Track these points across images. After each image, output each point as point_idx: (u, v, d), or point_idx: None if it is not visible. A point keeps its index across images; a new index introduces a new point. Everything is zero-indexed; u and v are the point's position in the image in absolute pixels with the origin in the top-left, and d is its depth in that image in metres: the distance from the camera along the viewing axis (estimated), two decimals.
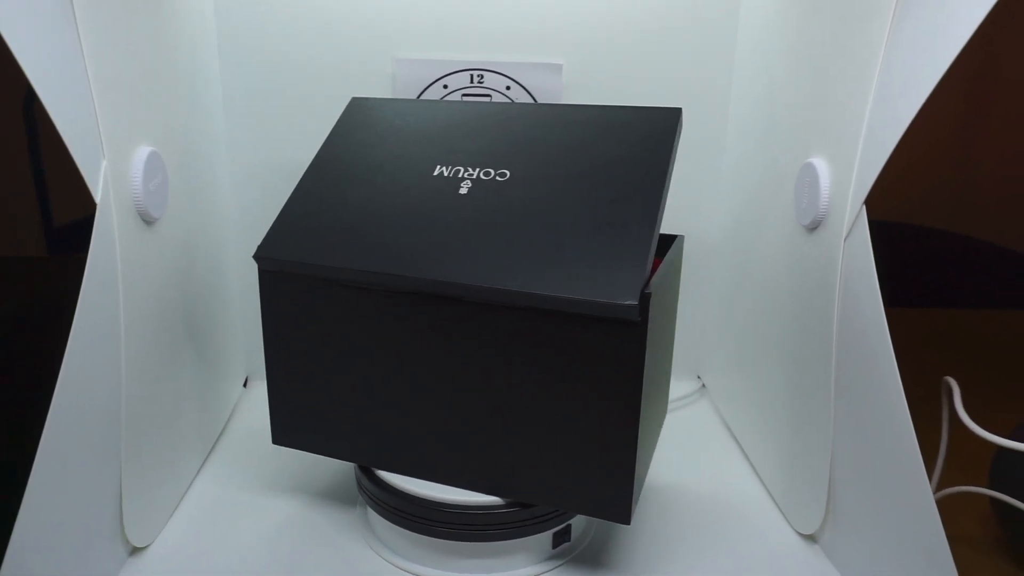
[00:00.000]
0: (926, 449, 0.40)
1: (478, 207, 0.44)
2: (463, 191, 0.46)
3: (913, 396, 0.40)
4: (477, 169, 0.47)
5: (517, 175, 0.45)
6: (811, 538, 0.52)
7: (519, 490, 0.45)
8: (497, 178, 0.45)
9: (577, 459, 0.43)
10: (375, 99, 0.54)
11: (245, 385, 0.74)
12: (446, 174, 0.47)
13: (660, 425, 0.53)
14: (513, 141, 0.48)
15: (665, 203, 0.44)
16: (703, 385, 0.77)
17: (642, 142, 0.45)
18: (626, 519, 0.43)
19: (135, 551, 0.48)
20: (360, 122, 0.52)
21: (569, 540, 0.49)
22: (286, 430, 0.50)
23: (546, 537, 0.47)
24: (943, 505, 0.46)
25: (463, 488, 0.46)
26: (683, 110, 0.69)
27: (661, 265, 0.45)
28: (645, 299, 0.39)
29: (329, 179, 0.49)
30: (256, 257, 0.46)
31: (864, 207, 0.43)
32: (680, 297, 0.75)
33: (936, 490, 0.50)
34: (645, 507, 0.55)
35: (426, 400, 0.45)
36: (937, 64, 0.37)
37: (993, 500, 0.52)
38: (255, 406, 0.70)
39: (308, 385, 0.48)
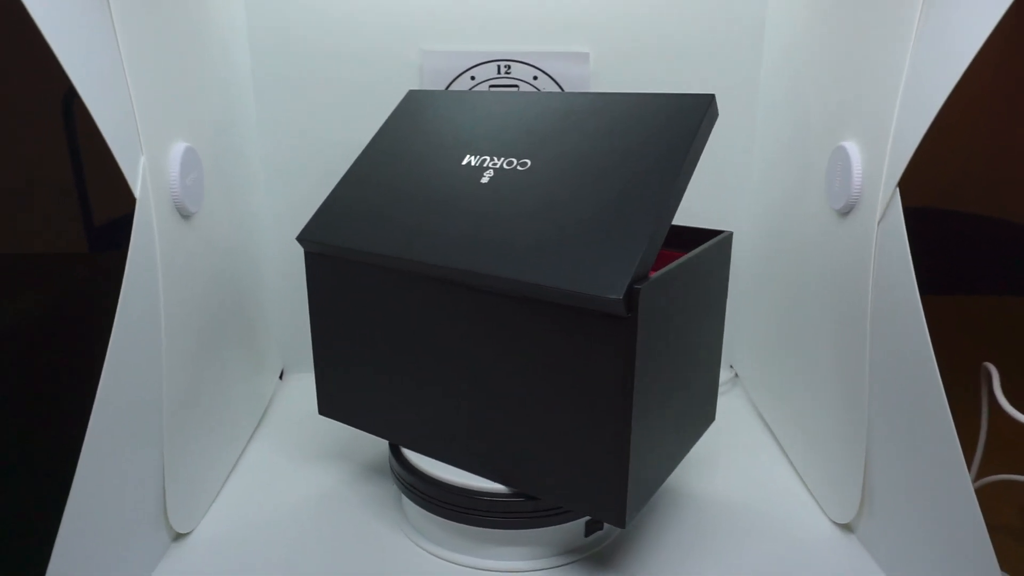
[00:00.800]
0: (965, 437, 0.39)
1: (494, 196, 0.45)
2: (484, 180, 0.46)
3: (950, 383, 0.39)
4: (501, 159, 0.47)
5: (538, 165, 0.45)
6: (847, 527, 0.51)
7: (522, 482, 0.45)
8: (519, 168, 0.46)
9: (572, 456, 0.42)
10: (429, 91, 0.56)
11: (281, 377, 0.76)
12: (473, 163, 0.48)
13: (696, 431, 0.51)
14: (540, 130, 0.48)
15: (681, 194, 0.42)
16: (736, 374, 0.76)
17: (664, 131, 0.44)
18: (621, 522, 0.41)
19: (178, 537, 0.50)
20: (411, 113, 0.54)
21: (602, 528, 0.49)
22: (329, 403, 0.53)
23: (579, 525, 0.48)
24: (982, 494, 0.45)
25: (474, 474, 0.47)
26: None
27: (681, 260, 0.43)
28: (633, 294, 0.37)
29: (373, 167, 0.51)
30: (299, 239, 0.49)
31: (898, 189, 0.42)
32: None
33: (975, 478, 0.50)
34: (678, 496, 0.55)
35: (439, 383, 0.46)
36: (970, 43, 0.36)
37: None
38: (292, 398, 0.72)
39: (345, 361, 0.50)
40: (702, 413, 0.52)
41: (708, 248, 0.47)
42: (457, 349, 0.45)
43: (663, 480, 0.47)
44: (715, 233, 0.50)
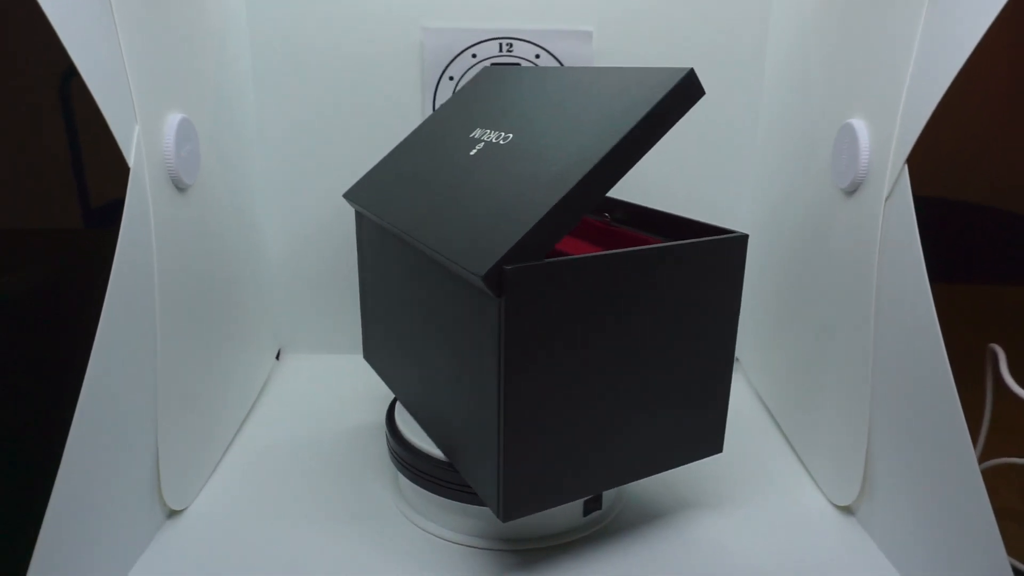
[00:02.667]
0: (969, 420, 0.39)
1: (469, 169, 0.45)
2: (473, 153, 0.46)
3: (955, 368, 0.38)
4: (496, 133, 0.47)
5: (515, 139, 0.45)
6: (847, 510, 0.51)
7: (450, 456, 0.45)
8: (500, 142, 0.45)
9: (474, 436, 0.41)
10: (502, 68, 0.57)
11: (278, 357, 0.75)
12: (476, 137, 0.48)
13: (677, 454, 0.45)
14: (535, 104, 0.47)
15: (615, 172, 0.37)
16: (736, 359, 0.76)
17: (620, 106, 0.40)
18: (500, 515, 0.39)
19: (172, 514, 0.49)
20: (471, 87, 0.57)
21: (600, 508, 0.49)
22: (368, 349, 0.58)
23: (577, 505, 0.47)
24: (985, 477, 0.44)
25: (430, 438, 0.48)
26: (718, 72, 0.68)
27: (608, 254, 0.38)
28: (501, 274, 0.35)
29: (417, 137, 0.54)
30: (344, 195, 0.54)
31: (906, 166, 0.41)
32: None
33: (980, 461, 0.49)
34: (678, 478, 0.55)
35: (407, 346, 0.49)
36: (981, 18, 0.36)
37: None
38: (288, 377, 0.71)
39: (372, 312, 0.55)
40: (691, 437, 0.45)
41: (678, 248, 0.41)
42: (416, 312, 0.46)
43: (599, 489, 0.43)
44: (719, 231, 0.44)
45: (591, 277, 0.38)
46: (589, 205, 0.37)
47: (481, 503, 0.45)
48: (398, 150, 0.54)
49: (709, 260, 0.42)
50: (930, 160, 0.44)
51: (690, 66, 0.41)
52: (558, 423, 0.40)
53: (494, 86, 0.54)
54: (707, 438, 0.46)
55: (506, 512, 0.40)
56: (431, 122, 0.55)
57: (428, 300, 0.44)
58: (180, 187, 0.47)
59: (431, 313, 0.44)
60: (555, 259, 0.37)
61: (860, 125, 0.46)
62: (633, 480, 0.44)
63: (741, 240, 0.43)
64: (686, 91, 0.38)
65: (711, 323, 0.43)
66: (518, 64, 0.67)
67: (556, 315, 0.37)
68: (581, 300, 0.38)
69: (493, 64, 0.67)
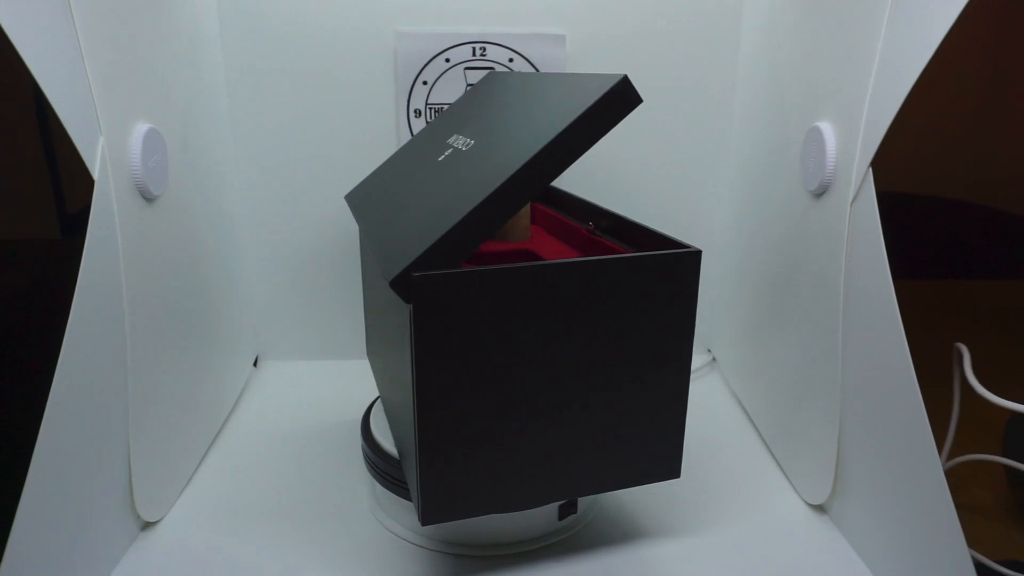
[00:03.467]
0: (937, 419, 0.39)
1: (431, 174, 0.45)
2: (440, 159, 0.46)
3: (922, 366, 0.39)
4: (466, 138, 0.47)
5: (476, 144, 0.44)
6: (820, 508, 0.51)
7: (399, 451, 0.47)
8: (463, 147, 0.45)
9: (406, 437, 0.42)
10: (503, 73, 0.57)
11: (256, 364, 0.75)
12: (450, 142, 0.48)
13: (623, 474, 0.43)
14: (503, 109, 0.47)
15: (540, 178, 0.36)
16: (713, 358, 0.76)
17: (552, 113, 0.39)
18: (420, 520, 0.40)
19: (147, 526, 0.49)
20: (469, 94, 0.57)
21: (576, 512, 0.49)
22: (368, 349, 0.60)
23: (552, 508, 0.47)
24: (955, 473, 0.45)
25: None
26: (691, 76, 0.68)
27: (527, 265, 0.37)
28: (409, 281, 0.35)
29: (412, 141, 0.55)
30: (345, 197, 0.56)
31: (871, 170, 0.42)
32: None
33: (948, 458, 0.50)
34: None
35: (379, 350, 0.51)
36: (940, 24, 0.36)
37: (1007, 468, 0.52)
38: (266, 385, 0.71)
39: (366, 312, 0.58)
40: (643, 460, 0.43)
41: (612, 263, 0.39)
42: (380, 315, 0.48)
43: (535, 503, 0.42)
44: (674, 244, 0.42)
45: (508, 289, 0.37)
46: (511, 210, 0.36)
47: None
48: (396, 154, 0.56)
49: (655, 276, 0.40)
50: (896, 158, 0.44)
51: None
52: (480, 434, 0.39)
53: (485, 91, 0.54)
54: (662, 461, 0.44)
55: (424, 516, 0.40)
56: (428, 126, 0.57)
57: (381, 303, 0.46)
58: (148, 197, 0.47)
59: (385, 316, 0.46)
60: (465, 269, 0.36)
61: (827, 128, 0.47)
62: (578, 496, 0.43)
63: (692, 256, 0.40)
64: (619, 98, 0.36)
65: (661, 342, 0.41)
66: (492, 68, 0.67)
67: (472, 325, 0.37)
68: (499, 311, 0.37)
69: (466, 69, 0.67)
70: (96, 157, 0.41)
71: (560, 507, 0.48)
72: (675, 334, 0.41)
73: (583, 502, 0.50)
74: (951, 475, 0.39)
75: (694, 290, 0.41)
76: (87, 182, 0.41)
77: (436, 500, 0.40)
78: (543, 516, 0.47)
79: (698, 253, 0.40)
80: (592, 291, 0.39)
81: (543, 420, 0.40)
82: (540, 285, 0.38)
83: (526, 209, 0.53)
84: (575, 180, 0.71)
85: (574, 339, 0.39)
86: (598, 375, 0.40)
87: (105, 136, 0.41)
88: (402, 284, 0.35)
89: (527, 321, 0.38)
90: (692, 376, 0.74)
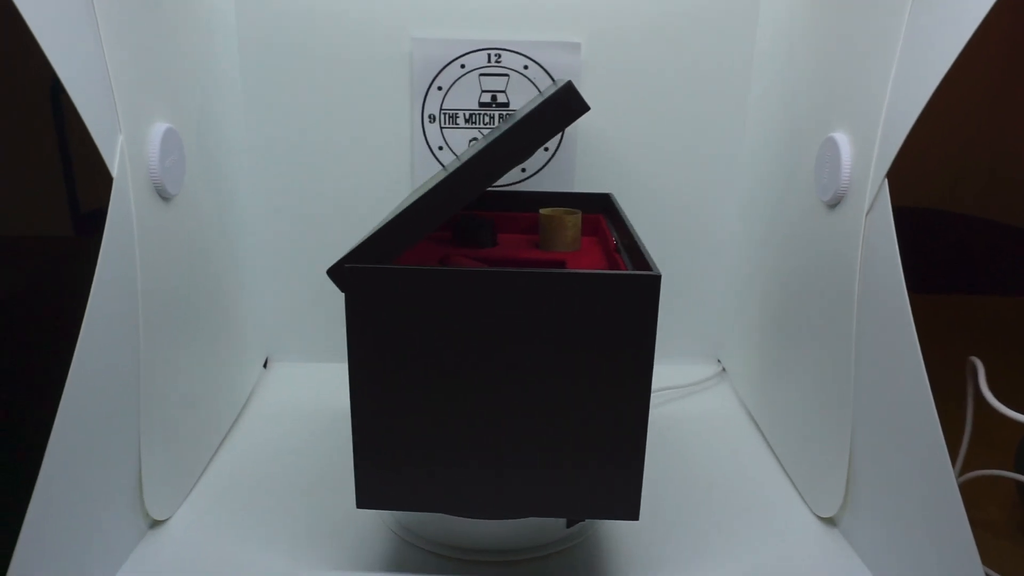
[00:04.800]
0: (950, 433, 0.39)
1: (431, 180, 0.45)
2: (446, 166, 0.47)
3: (935, 380, 0.39)
4: (474, 148, 0.47)
5: (469, 150, 0.45)
6: (830, 521, 0.51)
7: None
8: (459, 157, 0.46)
9: None
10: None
11: (265, 366, 0.75)
12: (459, 153, 0.48)
13: (566, 503, 0.41)
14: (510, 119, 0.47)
15: (480, 179, 0.37)
16: (723, 368, 0.76)
17: (518, 114, 0.39)
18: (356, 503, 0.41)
19: (155, 524, 0.49)
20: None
21: (583, 519, 0.49)
22: None
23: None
24: (967, 488, 0.45)
25: None
26: (706, 84, 0.68)
27: (463, 270, 0.37)
28: (344, 271, 0.37)
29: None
30: None
31: (886, 180, 0.42)
32: (699, 277, 0.74)
33: (960, 473, 0.49)
34: (663, 487, 0.55)
35: None
36: (959, 35, 0.36)
37: (1019, 484, 0.51)
38: (275, 386, 0.71)
39: None
40: (594, 493, 0.41)
41: (556, 277, 0.37)
42: None
43: (478, 513, 0.42)
44: (640, 267, 0.40)
45: (442, 290, 0.37)
46: (451, 208, 0.37)
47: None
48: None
49: (607, 297, 0.37)
50: (911, 171, 0.44)
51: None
52: (413, 430, 0.40)
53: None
54: (617, 499, 0.41)
55: (359, 499, 0.41)
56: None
57: None
58: (164, 197, 0.47)
59: None
60: (388, 265, 0.37)
61: (842, 139, 0.47)
62: (522, 516, 0.42)
63: (649, 281, 0.37)
64: (563, 105, 0.36)
65: (614, 370, 0.38)
66: (506, 76, 0.68)
67: (402, 320, 0.38)
68: (429, 310, 0.38)
69: (481, 75, 0.68)
70: (115, 155, 0.41)
71: None
72: (631, 363, 0.38)
73: None
74: (965, 490, 0.39)
75: (651, 317, 0.37)
76: (103, 180, 0.41)
77: (371, 485, 0.41)
78: (551, 523, 0.47)
79: (656, 278, 0.37)
80: (534, 304, 0.37)
81: (482, 430, 0.40)
82: (471, 291, 0.37)
83: (573, 221, 0.53)
84: (586, 188, 0.71)
85: (513, 351, 0.38)
86: (543, 393, 0.39)
87: (124, 134, 0.42)
88: (337, 274, 0.38)
89: (460, 325, 0.38)
90: (702, 385, 0.73)
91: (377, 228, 0.37)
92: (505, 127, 0.39)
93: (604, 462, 0.40)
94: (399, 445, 0.40)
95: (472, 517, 0.42)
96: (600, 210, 0.60)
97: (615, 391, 0.39)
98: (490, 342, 0.38)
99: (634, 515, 0.41)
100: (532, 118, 0.36)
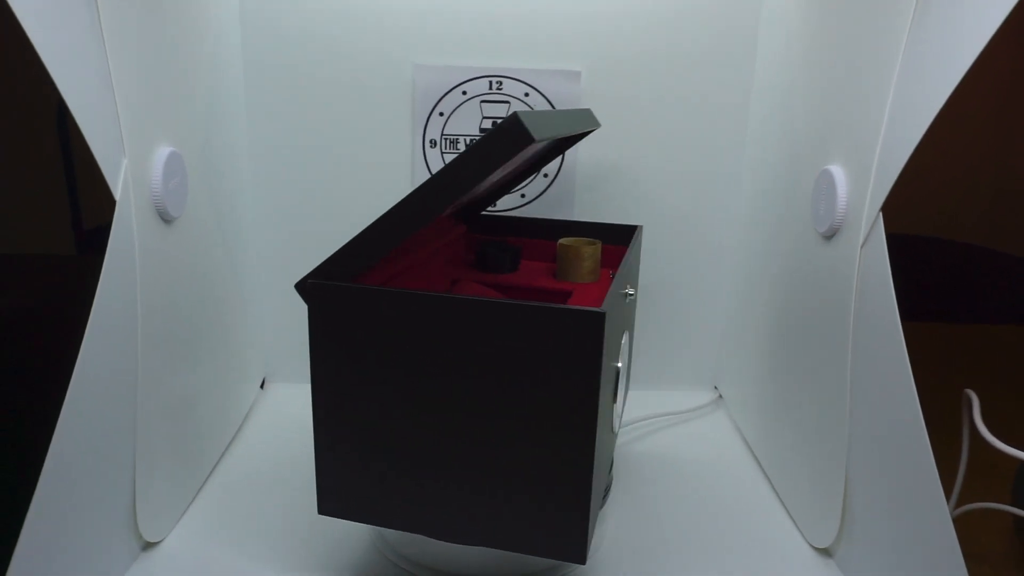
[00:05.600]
0: (946, 464, 0.39)
1: None
2: None
3: (934, 410, 0.39)
4: None
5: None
6: (826, 552, 0.51)
7: None
8: None
9: None
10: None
11: (262, 387, 0.75)
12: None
13: (507, 537, 0.40)
14: None
15: (437, 203, 0.37)
16: (720, 396, 0.76)
17: (468, 148, 0.40)
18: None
19: (148, 546, 0.49)
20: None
21: None
22: None
23: None
24: (963, 521, 0.45)
25: None
26: (704, 115, 0.69)
27: (417, 294, 0.38)
28: (304, 286, 0.40)
29: None
30: None
31: (881, 214, 0.42)
32: (697, 305, 0.75)
33: (956, 506, 0.49)
34: (658, 514, 0.55)
35: None
36: (954, 70, 0.37)
37: (1016, 517, 0.51)
38: (272, 407, 0.71)
39: None
40: (537, 530, 0.40)
41: (489, 306, 0.37)
42: None
43: (427, 531, 0.41)
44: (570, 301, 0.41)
45: (393, 310, 0.38)
46: (404, 232, 0.38)
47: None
48: None
49: (551, 331, 0.36)
50: (907, 199, 0.45)
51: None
52: (366, 444, 0.41)
53: None
54: (563, 540, 0.39)
55: (320, 505, 0.43)
56: None
57: None
58: (166, 219, 0.47)
59: None
60: (349, 284, 0.39)
61: (838, 171, 0.47)
62: (467, 543, 0.41)
63: (592, 318, 0.36)
64: (507, 135, 0.36)
65: (559, 406, 0.37)
66: (507, 103, 0.68)
67: (360, 337, 0.39)
68: (385, 330, 0.39)
69: (483, 102, 0.68)
70: (119, 178, 0.42)
71: None
72: (574, 401, 0.37)
73: None
74: (959, 523, 0.39)
75: (596, 356, 0.36)
76: (105, 200, 0.41)
77: (330, 494, 0.42)
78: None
79: (600, 316, 0.35)
80: (479, 332, 0.37)
81: (433, 451, 0.40)
82: (420, 313, 0.38)
83: (590, 251, 0.53)
84: (585, 215, 0.72)
85: (460, 377, 0.38)
86: (489, 422, 0.39)
87: (129, 158, 0.42)
88: (302, 289, 0.40)
89: (409, 345, 0.39)
90: (698, 412, 0.73)
91: (334, 253, 0.39)
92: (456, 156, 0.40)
93: (548, 500, 0.39)
94: (355, 458, 0.41)
95: (426, 536, 0.42)
96: (628, 242, 0.60)
97: (559, 429, 0.37)
98: (438, 366, 0.38)
99: (580, 559, 0.39)
100: (478, 148, 0.36)
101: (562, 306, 0.36)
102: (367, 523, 0.42)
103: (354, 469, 0.41)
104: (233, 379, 0.64)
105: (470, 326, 0.37)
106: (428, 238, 0.55)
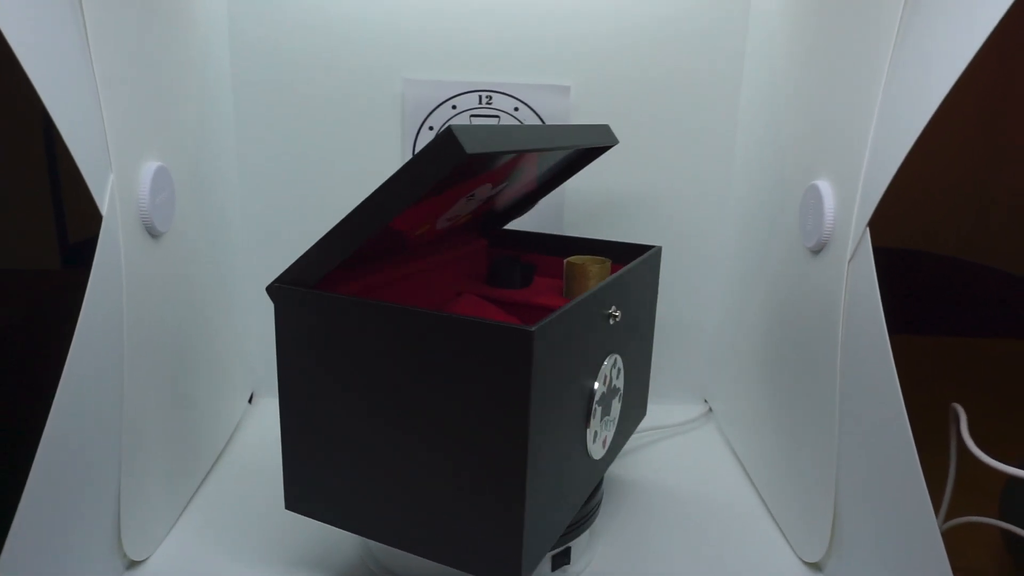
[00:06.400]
0: (935, 479, 0.39)
1: None
2: None
3: (921, 422, 0.39)
4: None
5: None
6: (815, 566, 0.51)
7: None
8: None
9: None
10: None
11: (250, 401, 0.75)
12: None
13: (453, 552, 0.40)
14: None
15: (381, 215, 0.38)
16: (710, 409, 0.76)
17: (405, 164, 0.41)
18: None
19: (132, 564, 0.48)
20: None
21: (568, 563, 0.48)
22: None
23: (545, 559, 0.47)
24: (951, 535, 0.45)
25: None
26: (693, 131, 0.70)
27: (361, 301, 0.38)
28: (272, 289, 0.41)
29: None
30: None
31: (868, 229, 0.43)
32: (687, 319, 0.75)
33: (945, 520, 0.49)
34: (647, 529, 0.55)
35: None
36: (940, 86, 0.37)
37: (1004, 531, 0.51)
38: (260, 422, 0.70)
39: None
40: (475, 547, 0.39)
41: (422, 316, 0.37)
42: None
43: (380, 537, 0.42)
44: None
45: (344, 316, 0.39)
46: (351, 244, 0.39)
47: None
48: None
49: (483, 346, 0.36)
50: (895, 214, 0.45)
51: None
52: (322, 444, 0.42)
53: None
54: (498, 559, 0.38)
55: (286, 501, 0.45)
56: None
57: None
58: (154, 234, 0.47)
59: None
60: (306, 289, 0.40)
61: (825, 186, 0.48)
62: (416, 553, 0.41)
63: (520, 335, 0.35)
64: (440, 150, 0.36)
65: (492, 422, 0.37)
66: (497, 117, 0.69)
67: (315, 338, 0.41)
68: (335, 335, 0.40)
69: (472, 117, 0.69)
70: (105, 194, 0.41)
71: (552, 557, 0.47)
72: (506, 418, 0.36)
73: (577, 554, 0.49)
74: (948, 537, 0.39)
75: (525, 375, 0.35)
76: (92, 215, 0.41)
77: (296, 491, 0.44)
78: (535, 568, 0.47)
79: (528, 334, 0.35)
80: (420, 342, 0.38)
81: (382, 458, 0.41)
82: (367, 321, 0.39)
83: (597, 270, 0.53)
84: (573, 231, 0.72)
85: (405, 386, 0.39)
86: (431, 434, 0.39)
87: (115, 173, 0.42)
88: (270, 291, 0.42)
89: (354, 352, 0.40)
90: (688, 426, 0.73)
91: (303, 253, 0.41)
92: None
93: (484, 518, 0.38)
94: (312, 457, 0.43)
95: (374, 540, 0.43)
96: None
97: (492, 445, 0.37)
98: (380, 373, 0.39)
99: None
100: (412, 166, 0.37)
101: (491, 321, 0.36)
102: (325, 522, 0.44)
103: (312, 468, 0.43)
104: (221, 394, 0.64)
105: (407, 336, 0.38)
106: (440, 248, 0.55)
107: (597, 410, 0.45)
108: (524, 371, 0.35)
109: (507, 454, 0.37)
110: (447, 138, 0.35)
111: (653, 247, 0.57)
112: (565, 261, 0.54)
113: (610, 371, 0.47)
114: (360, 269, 0.48)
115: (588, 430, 0.44)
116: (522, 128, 0.42)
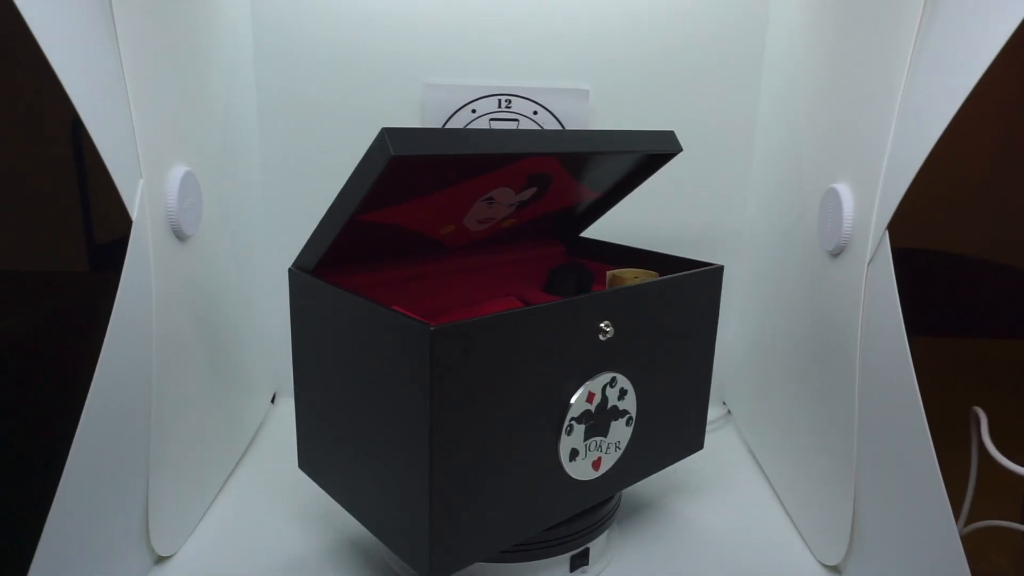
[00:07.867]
0: (955, 482, 0.39)
1: None
2: None
3: (941, 425, 0.39)
4: None
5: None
6: (834, 569, 0.51)
7: None
8: None
9: None
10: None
11: (273, 401, 0.76)
12: None
13: (400, 540, 0.41)
14: None
15: (345, 208, 0.40)
16: (728, 411, 0.76)
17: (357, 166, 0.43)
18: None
19: (160, 560, 0.49)
20: None
21: (587, 563, 0.49)
22: None
23: (563, 560, 0.47)
24: (972, 539, 0.45)
25: None
26: (711, 134, 0.70)
27: (356, 298, 0.40)
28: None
29: None
30: None
31: (887, 232, 0.43)
32: None
33: (965, 523, 0.49)
34: (667, 532, 0.55)
35: None
36: (959, 90, 0.37)
37: None
38: (282, 422, 0.71)
39: None
40: (401, 527, 0.40)
41: (363, 305, 0.39)
42: None
43: (336, 496, 0.46)
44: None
45: (328, 302, 0.42)
46: (326, 239, 0.42)
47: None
48: None
49: (394, 335, 0.38)
50: (914, 215, 0.45)
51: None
52: (316, 417, 0.46)
53: None
54: (413, 551, 0.39)
55: (299, 460, 0.49)
56: None
57: None
58: (181, 237, 0.48)
59: None
60: (302, 272, 0.45)
61: (844, 190, 0.48)
62: (369, 529, 0.44)
63: (420, 331, 0.36)
64: (376, 152, 0.37)
65: (406, 411, 0.38)
66: (516, 121, 0.69)
67: (309, 318, 0.45)
68: (316, 314, 0.44)
69: (491, 121, 0.69)
70: (136, 198, 0.42)
71: (572, 558, 0.48)
72: (413, 407, 0.37)
73: (595, 555, 0.50)
74: (968, 541, 0.39)
75: (424, 369, 0.36)
76: (122, 219, 0.42)
77: (302, 454, 0.48)
78: (553, 565, 0.47)
79: (426, 331, 0.35)
80: (355, 325, 0.41)
81: (344, 433, 0.44)
82: (332, 305, 0.42)
83: (609, 276, 0.53)
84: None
85: (350, 363, 0.42)
86: (368, 415, 0.41)
87: (145, 179, 0.43)
88: (289, 273, 0.46)
89: (331, 333, 0.43)
90: (708, 428, 0.73)
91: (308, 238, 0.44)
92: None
93: (404, 506, 0.39)
94: (310, 426, 0.47)
95: (350, 513, 0.45)
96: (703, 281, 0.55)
97: (405, 433, 0.38)
98: (340, 348, 0.42)
99: (424, 571, 0.38)
100: (359, 168, 0.39)
101: (399, 314, 0.37)
102: (319, 486, 0.48)
103: (314, 438, 0.47)
104: (245, 394, 0.65)
105: (349, 317, 0.41)
106: (499, 250, 0.57)
107: (577, 428, 0.43)
108: (423, 365, 0.36)
109: (414, 444, 0.38)
110: (379, 140, 0.37)
111: (712, 265, 0.52)
112: (607, 273, 0.52)
113: (602, 390, 0.44)
114: (388, 264, 0.50)
115: (560, 445, 0.42)
116: (481, 132, 0.40)
